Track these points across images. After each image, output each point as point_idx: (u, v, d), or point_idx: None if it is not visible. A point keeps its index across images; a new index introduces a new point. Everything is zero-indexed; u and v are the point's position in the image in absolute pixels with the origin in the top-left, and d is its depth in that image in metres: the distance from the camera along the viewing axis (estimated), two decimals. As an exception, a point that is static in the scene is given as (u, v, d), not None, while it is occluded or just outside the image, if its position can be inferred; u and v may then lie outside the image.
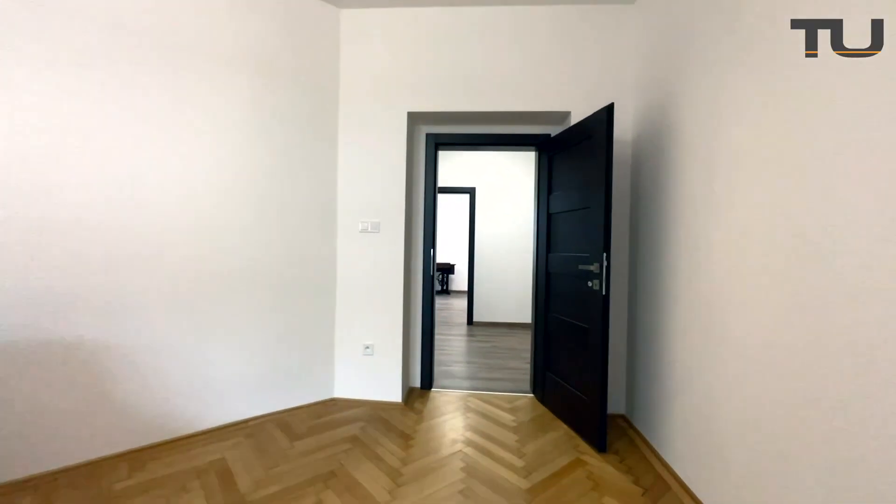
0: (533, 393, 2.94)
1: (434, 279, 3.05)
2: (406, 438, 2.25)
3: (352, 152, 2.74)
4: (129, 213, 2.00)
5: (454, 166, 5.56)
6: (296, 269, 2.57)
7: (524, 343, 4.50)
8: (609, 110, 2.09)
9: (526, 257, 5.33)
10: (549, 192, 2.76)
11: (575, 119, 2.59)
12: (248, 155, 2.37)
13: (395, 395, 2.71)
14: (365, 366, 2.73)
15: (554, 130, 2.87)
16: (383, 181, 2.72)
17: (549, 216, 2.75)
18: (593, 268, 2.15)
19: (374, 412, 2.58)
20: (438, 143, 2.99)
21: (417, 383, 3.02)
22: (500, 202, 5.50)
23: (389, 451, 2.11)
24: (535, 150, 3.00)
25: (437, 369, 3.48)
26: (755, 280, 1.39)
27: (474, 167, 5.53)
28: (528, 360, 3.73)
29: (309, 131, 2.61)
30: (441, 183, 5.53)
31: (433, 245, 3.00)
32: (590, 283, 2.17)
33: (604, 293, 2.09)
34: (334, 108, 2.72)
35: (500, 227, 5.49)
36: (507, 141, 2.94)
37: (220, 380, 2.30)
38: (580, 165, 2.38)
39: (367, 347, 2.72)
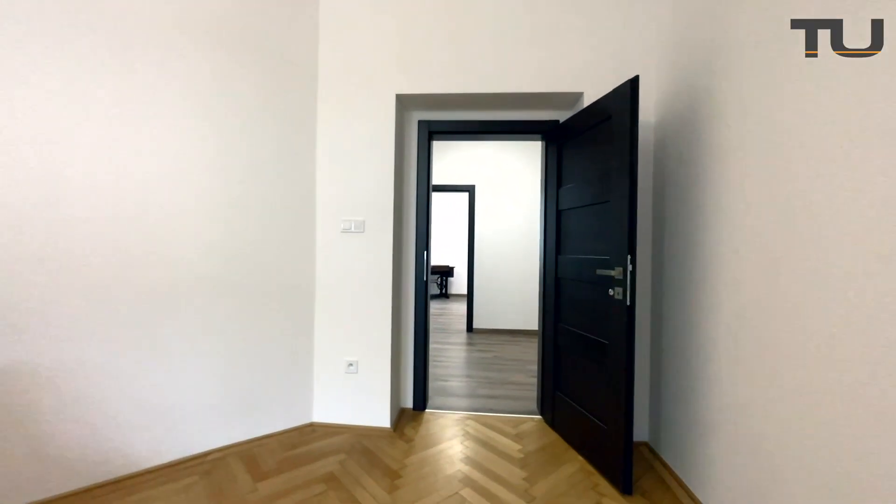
0: (541, 415, 2.58)
1: (428, 284, 2.70)
2: (392, 476, 1.89)
3: (332, 141, 2.39)
4: (50, 212, 1.65)
5: (451, 162, 5.22)
6: (267, 275, 2.22)
7: (528, 353, 4.14)
8: (633, 84, 1.75)
9: (530, 259, 4.99)
10: (559, 185, 2.41)
11: (588, 101, 2.25)
12: (207, 145, 2.02)
13: (382, 419, 2.35)
14: (348, 386, 2.38)
15: (563, 116, 2.52)
16: (369, 175, 2.37)
17: (559, 213, 2.40)
18: (615, 273, 1.80)
19: (358, 441, 2.22)
20: (432, 131, 2.64)
21: (409, 403, 2.67)
22: (501, 200, 5.16)
23: (371, 494, 1.75)
24: (542, 140, 2.66)
25: (432, 385, 3.12)
26: (843, 287, 1.04)
27: (473, 163, 5.19)
28: (534, 374, 3.37)
29: (282, 117, 2.27)
30: (438, 180, 5.19)
31: (426, 247, 2.65)
32: (611, 292, 1.82)
33: (628, 303, 1.74)
34: (312, 90, 2.38)
35: (501, 226, 5.15)
36: (509, 129, 2.59)
37: (174, 406, 1.95)
38: (597, 152, 2.03)
39: (351, 364, 2.37)
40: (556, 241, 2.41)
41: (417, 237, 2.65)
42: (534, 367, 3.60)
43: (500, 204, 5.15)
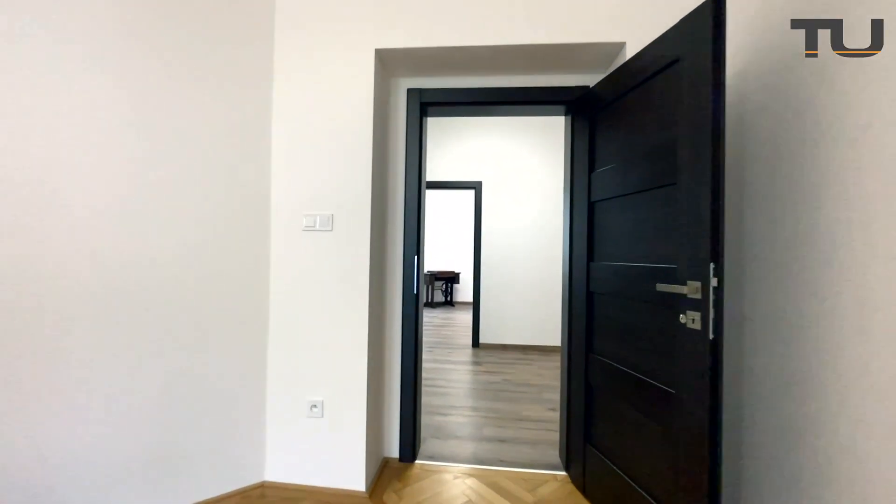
0: (566, 471, 1.97)
1: (420, 297, 2.12)
2: (357, 584, 1.31)
3: (292, 113, 1.83)
4: None
5: (456, 156, 4.65)
6: (202, 286, 1.66)
7: (544, 375, 3.52)
8: (717, 5, 1.15)
9: (546, 266, 4.39)
10: (591, 168, 1.82)
11: (631, 54, 1.66)
12: (108, 109, 1.47)
13: (354, 479, 1.77)
14: (311, 434, 1.80)
15: (594, 79, 1.94)
16: (339, 156, 1.81)
17: (591, 205, 1.81)
18: (687, 290, 1.19)
19: (320, 513, 1.64)
20: (425, 102, 2.07)
21: (394, 452, 2.08)
22: (511, 198, 4.57)
23: None
24: (566, 113, 2.07)
25: (427, 420, 2.53)
26: None
27: (480, 156, 4.61)
28: (552, 407, 2.76)
29: (224, 78, 1.71)
30: (441, 176, 4.64)
31: (418, 250, 2.07)
32: (682, 318, 1.22)
33: (712, 336, 1.13)
34: (267, 46, 1.83)
35: (512, 227, 4.55)
36: (524, 98, 2.01)
37: (60, 472, 1.39)
38: (652, 117, 1.43)
39: (315, 406, 1.79)
40: (588, 242, 1.81)
41: (406, 237, 2.07)
42: (551, 396, 2.99)
43: (511, 202, 4.56)
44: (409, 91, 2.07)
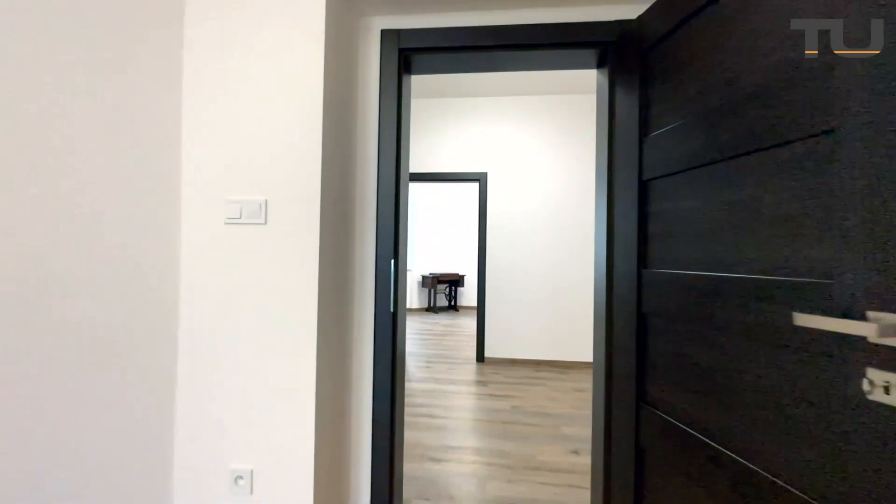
0: (603, 565, 1.40)
1: (399, 315, 1.56)
2: None
3: (210, 59, 1.29)
4: None
5: (456, 145, 4.09)
6: (79, 303, 1.12)
7: (559, 400, 2.94)
8: None
9: (562, 268, 3.81)
10: (643, 133, 1.25)
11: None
12: None
13: (299, 584, 1.22)
14: (236, 517, 1.26)
15: (633, 11, 1.36)
16: (276, 119, 1.26)
17: (644, 185, 1.23)
18: (873, 330, 0.61)
19: None
20: (406, 49, 1.51)
21: (364, 529, 1.52)
22: (521, 191, 4.00)
23: None
24: (598, 64, 1.51)
25: (415, 469, 1.97)
26: None
27: (484, 145, 4.06)
28: (576, 448, 2.18)
29: (114, 15, 1.17)
30: (441, 168, 4.09)
31: (395, 252, 1.51)
32: (865, 385, 0.64)
33: (939, 428, 0.56)
34: (177, -37, 1.29)
35: (521, 224, 3.98)
36: (539, 40, 1.45)
37: None
38: (762, 31, 0.86)
39: (241, 478, 1.25)
40: (639, 240, 1.24)
41: (380, 236, 1.52)
42: (572, 431, 2.41)
43: (520, 195, 3.99)
44: (384, 33, 1.51)
